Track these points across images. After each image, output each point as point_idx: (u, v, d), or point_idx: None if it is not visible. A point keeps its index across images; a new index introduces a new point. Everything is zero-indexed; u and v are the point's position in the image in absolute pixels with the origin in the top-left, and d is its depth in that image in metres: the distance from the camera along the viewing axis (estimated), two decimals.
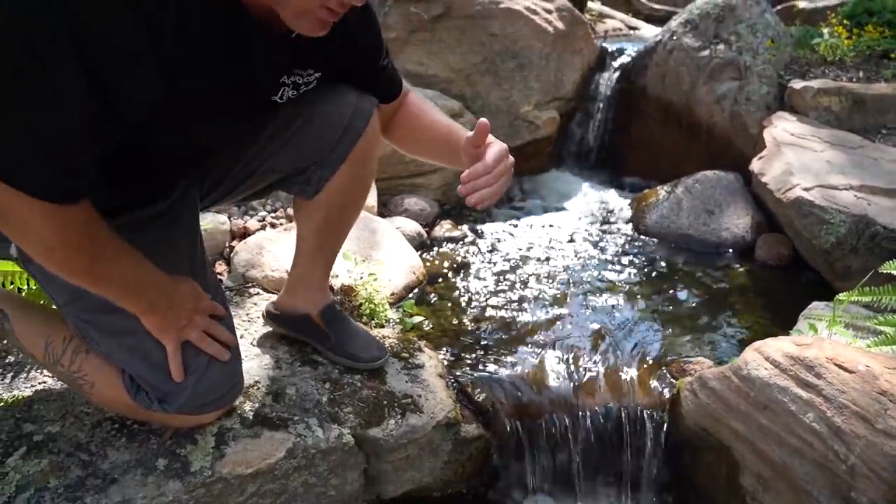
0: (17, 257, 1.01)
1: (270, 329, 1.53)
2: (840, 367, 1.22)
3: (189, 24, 0.81)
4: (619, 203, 2.74)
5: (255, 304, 1.72)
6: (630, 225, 2.56)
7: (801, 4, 4.14)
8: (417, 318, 1.78)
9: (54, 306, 1.14)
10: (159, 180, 1.07)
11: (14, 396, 1.28)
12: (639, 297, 2.04)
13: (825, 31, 2.90)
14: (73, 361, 1.12)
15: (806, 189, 2.07)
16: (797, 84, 2.63)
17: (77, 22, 0.73)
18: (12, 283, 1.37)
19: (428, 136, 1.22)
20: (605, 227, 2.55)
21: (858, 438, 1.13)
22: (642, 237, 2.47)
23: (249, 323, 1.62)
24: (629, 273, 2.20)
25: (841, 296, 1.58)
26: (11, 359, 1.40)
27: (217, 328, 1.12)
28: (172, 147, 0.99)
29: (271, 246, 1.89)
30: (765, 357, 1.32)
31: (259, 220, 2.11)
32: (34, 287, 1.39)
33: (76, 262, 0.90)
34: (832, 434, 1.17)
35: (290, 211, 2.17)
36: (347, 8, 0.89)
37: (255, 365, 1.44)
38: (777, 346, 1.32)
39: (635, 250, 2.37)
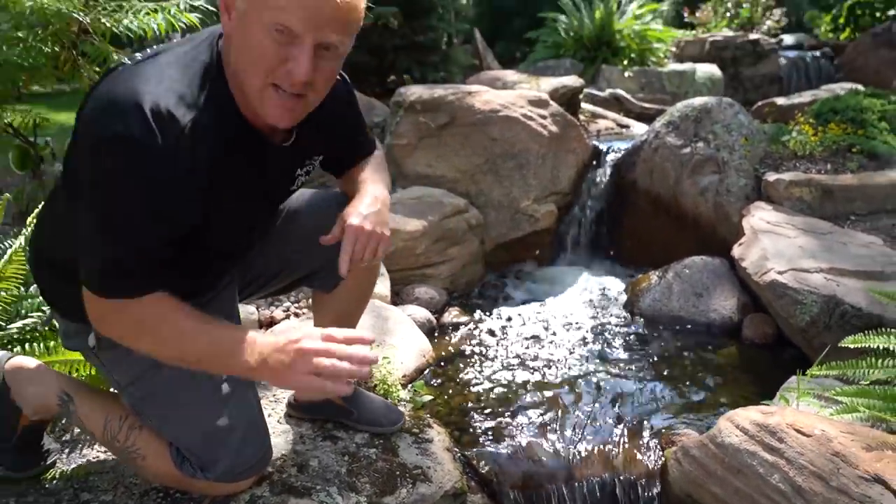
0: (92, 347, 1.22)
1: None
2: (799, 431, 1.37)
3: (217, 147, 1.02)
4: (615, 288, 2.94)
5: None
6: (625, 308, 2.75)
7: (779, 101, 4.50)
8: (427, 397, 1.95)
9: (112, 389, 1.35)
10: (209, 274, 1.28)
11: (72, 469, 1.46)
12: (633, 375, 2.20)
13: (795, 128, 3.19)
14: (129, 437, 1.30)
15: (780, 272, 2.26)
16: (771, 177, 2.89)
17: (138, 164, 0.95)
18: (76, 370, 1.58)
19: (351, 188, 1.35)
20: (603, 310, 2.74)
21: (816, 496, 1.27)
22: (637, 320, 2.65)
23: (276, 403, 1.80)
24: (625, 353, 2.36)
25: (812, 369, 1.75)
26: (68, 437, 1.59)
27: (332, 347, 1.02)
28: (217, 244, 1.18)
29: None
30: (735, 425, 1.47)
31: (284, 311, 2.33)
32: (94, 373, 1.59)
33: (174, 344, 1.07)
34: (795, 493, 1.31)
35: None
36: (300, 88, 1.00)
37: (281, 440, 1.61)
38: (745, 415, 1.48)
39: (631, 332, 2.55)
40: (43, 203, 1.26)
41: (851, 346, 1.67)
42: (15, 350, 1.59)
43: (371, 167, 1.35)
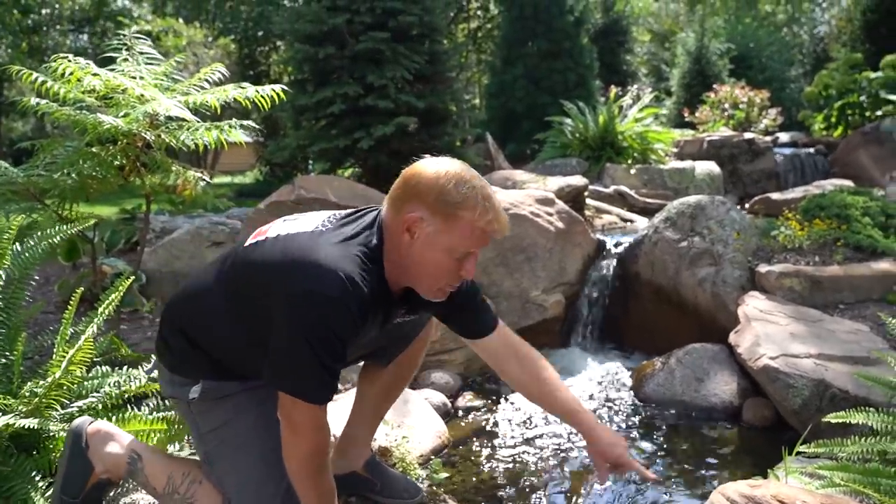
0: (191, 398, 1.44)
1: None
2: (781, 502, 1.50)
3: (371, 304, 1.33)
4: (621, 373, 3.09)
5: None
6: (631, 393, 2.89)
7: (774, 196, 4.78)
8: (444, 475, 2.09)
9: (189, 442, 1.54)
10: None
11: None
12: (638, 456, 2.32)
13: (783, 223, 3.43)
14: (189, 489, 1.48)
15: (772, 358, 2.42)
16: (763, 268, 3.10)
17: (338, 313, 1.26)
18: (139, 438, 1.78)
19: (549, 399, 1.60)
20: (609, 395, 2.89)
21: None
22: (642, 404, 2.79)
23: None
24: (631, 436, 2.49)
25: (799, 447, 1.88)
26: None
27: None
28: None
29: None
30: (725, 497, 1.60)
31: None
32: (157, 439, 1.80)
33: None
34: None
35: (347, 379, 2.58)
36: (459, 282, 1.39)
37: None
38: (734, 488, 1.61)
39: (636, 415, 2.68)
40: (185, 289, 1.54)
41: (833, 421, 1.81)
42: None
43: (557, 378, 1.62)
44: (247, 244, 1.43)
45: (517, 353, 1.63)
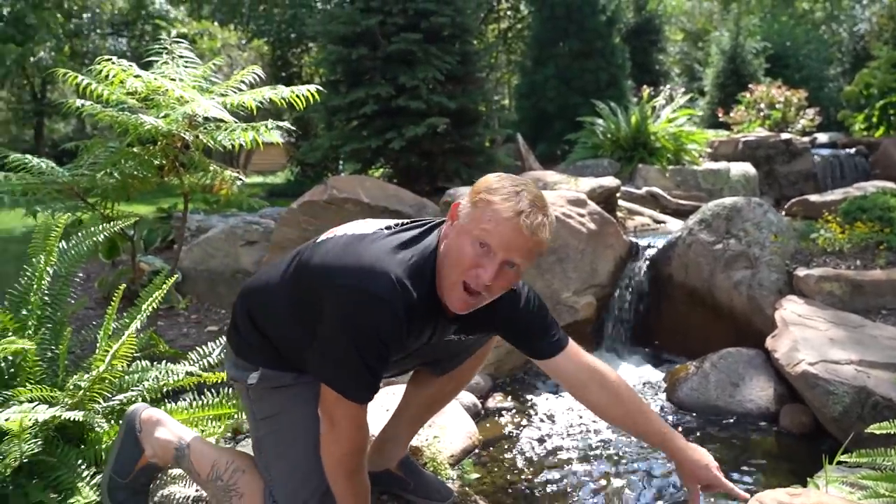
0: (251, 383, 1.49)
1: None
2: None
3: (420, 310, 1.34)
4: (654, 377, 3.05)
5: None
6: (664, 397, 2.85)
7: (812, 198, 4.67)
8: (474, 476, 2.10)
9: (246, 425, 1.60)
10: None
11: None
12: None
13: (823, 226, 3.35)
14: (232, 477, 1.52)
15: (811, 363, 2.37)
16: (801, 272, 3.03)
17: (382, 314, 1.28)
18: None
19: (634, 423, 1.58)
20: (641, 398, 2.85)
21: None
22: (676, 408, 2.75)
23: None
24: None
25: (840, 457, 1.83)
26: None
27: None
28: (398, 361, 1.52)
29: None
30: None
31: None
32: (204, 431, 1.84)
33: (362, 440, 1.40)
34: None
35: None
36: (482, 289, 1.31)
37: None
38: (773, 496, 1.57)
39: (669, 420, 2.64)
40: (259, 278, 1.58)
41: (877, 432, 1.76)
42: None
43: (639, 399, 1.62)
44: (317, 240, 1.48)
45: (594, 377, 1.56)
